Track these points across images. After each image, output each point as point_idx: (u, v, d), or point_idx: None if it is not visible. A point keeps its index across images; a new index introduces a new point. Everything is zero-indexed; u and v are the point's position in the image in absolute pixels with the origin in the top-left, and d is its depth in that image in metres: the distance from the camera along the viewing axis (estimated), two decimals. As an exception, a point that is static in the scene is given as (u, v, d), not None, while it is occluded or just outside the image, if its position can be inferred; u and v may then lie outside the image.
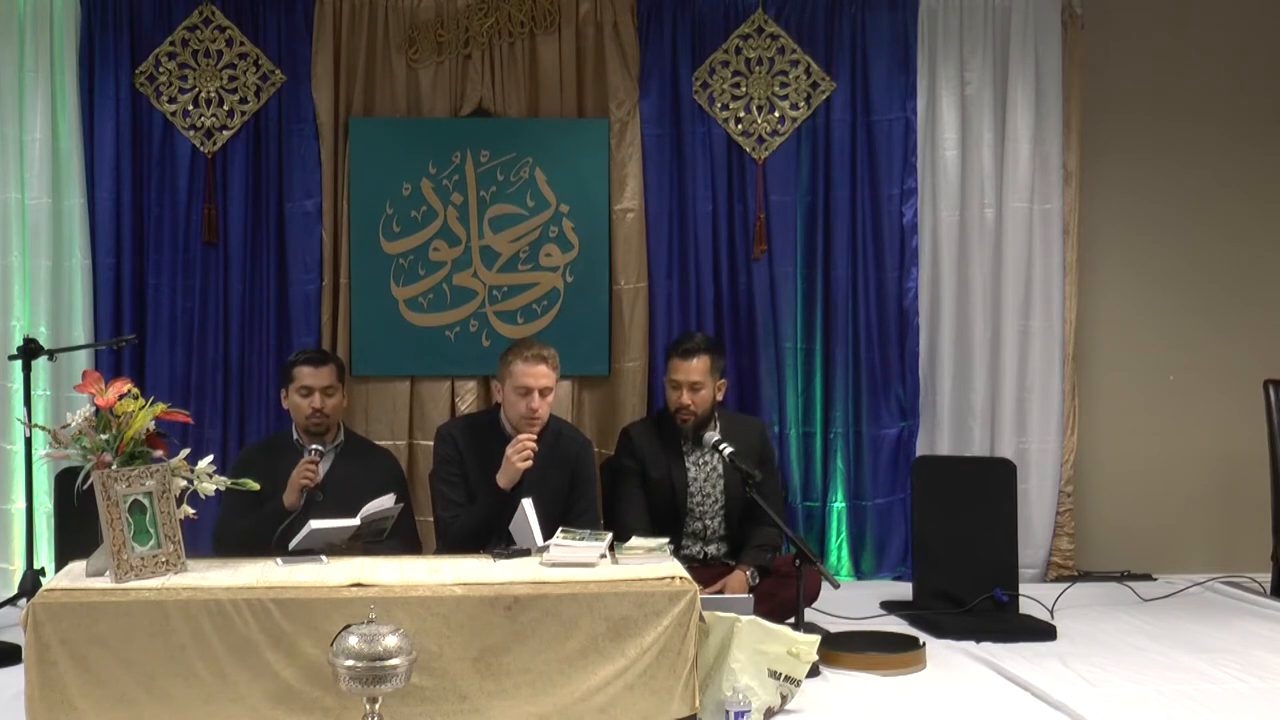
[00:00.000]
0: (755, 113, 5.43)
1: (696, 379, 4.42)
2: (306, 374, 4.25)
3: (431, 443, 4.63)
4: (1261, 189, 5.78)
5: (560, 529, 3.65)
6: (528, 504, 3.77)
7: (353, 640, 2.94)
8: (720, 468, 4.45)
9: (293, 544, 3.63)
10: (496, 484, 4.05)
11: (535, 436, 4.06)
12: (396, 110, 5.27)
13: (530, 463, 4.01)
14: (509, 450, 4.01)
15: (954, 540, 4.79)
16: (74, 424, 3.36)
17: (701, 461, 4.50)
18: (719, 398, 4.55)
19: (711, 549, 4.52)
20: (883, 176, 5.47)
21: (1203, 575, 5.49)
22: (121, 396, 3.33)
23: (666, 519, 4.41)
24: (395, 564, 3.57)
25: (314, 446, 4.15)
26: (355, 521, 3.71)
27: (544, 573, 3.44)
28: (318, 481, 4.07)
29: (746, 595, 3.99)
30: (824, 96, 5.45)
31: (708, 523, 4.50)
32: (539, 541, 3.67)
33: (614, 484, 4.57)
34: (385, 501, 3.84)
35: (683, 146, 5.41)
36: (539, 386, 4.09)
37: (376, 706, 2.99)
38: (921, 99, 5.47)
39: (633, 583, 3.36)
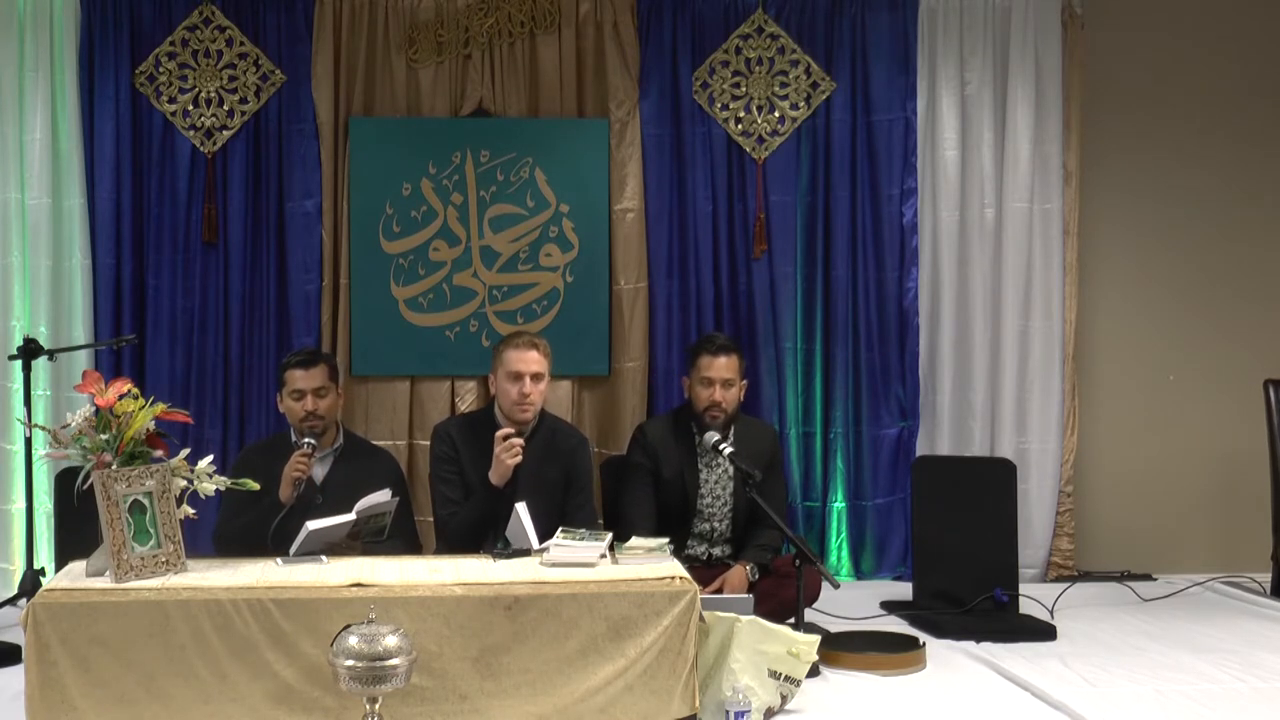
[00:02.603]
0: (755, 113, 5.43)
1: (729, 375, 4.42)
2: (297, 377, 4.24)
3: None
4: (1261, 189, 5.78)
5: (560, 529, 3.64)
6: (521, 508, 3.75)
7: (353, 640, 2.94)
8: (731, 470, 4.44)
9: (293, 549, 3.61)
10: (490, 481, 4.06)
11: (520, 434, 4.03)
12: (396, 110, 5.27)
13: (519, 458, 4.00)
14: (497, 449, 4.01)
15: (954, 540, 4.78)
16: (74, 424, 3.35)
17: (714, 464, 4.49)
18: (740, 398, 4.54)
19: (717, 550, 4.52)
20: (883, 176, 5.47)
21: (1203, 575, 5.48)
22: (121, 396, 3.33)
23: (675, 518, 4.41)
24: (395, 564, 3.56)
25: (307, 440, 4.14)
26: (351, 517, 3.69)
27: (544, 573, 3.44)
28: (310, 475, 4.08)
29: (746, 595, 3.98)
30: (824, 96, 5.45)
31: (715, 524, 4.50)
32: (535, 544, 3.67)
33: (623, 480, 4.56)
34: (381, 496, 3.83)
35: (683, 146, 5.41)
36: (529, 371, 4.12)
37: (376, 706, 2.99)
38: (921, 99, 5.47)
39: (633, 583, 3.36)
